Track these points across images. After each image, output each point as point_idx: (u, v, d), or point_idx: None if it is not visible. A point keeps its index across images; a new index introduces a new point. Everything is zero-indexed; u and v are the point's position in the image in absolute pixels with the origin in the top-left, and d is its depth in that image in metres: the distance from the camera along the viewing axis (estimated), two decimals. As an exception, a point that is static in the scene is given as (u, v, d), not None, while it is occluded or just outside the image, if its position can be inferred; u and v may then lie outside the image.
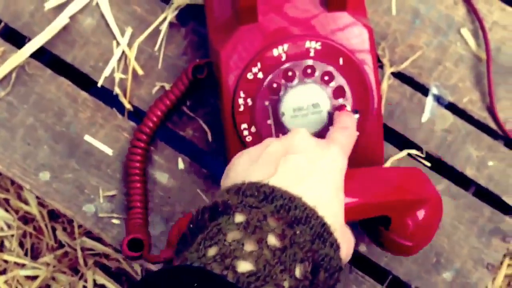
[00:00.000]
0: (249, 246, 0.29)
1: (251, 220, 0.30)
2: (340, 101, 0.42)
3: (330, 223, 0.32)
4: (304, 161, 0.34)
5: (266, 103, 0.42)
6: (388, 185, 0.38)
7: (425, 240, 0.40)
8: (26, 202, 0.69)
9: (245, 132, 0.42)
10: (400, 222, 0.38)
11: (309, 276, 0.30)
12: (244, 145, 0.43)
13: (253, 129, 0.42)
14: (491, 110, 0.49)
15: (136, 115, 0.49)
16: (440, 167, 0.49)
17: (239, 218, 0.31)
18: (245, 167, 0.35)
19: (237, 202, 0.31)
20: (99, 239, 0.67)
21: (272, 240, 0.30)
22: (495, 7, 0.50)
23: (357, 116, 0.42)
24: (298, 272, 0.30)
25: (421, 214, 0.38)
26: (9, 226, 0.69)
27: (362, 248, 0.47)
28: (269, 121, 0.42)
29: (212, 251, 0.30)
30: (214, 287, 0.28)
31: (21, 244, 0.70)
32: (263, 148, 0.35)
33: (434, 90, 0.49)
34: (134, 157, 0.46)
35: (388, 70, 0.49)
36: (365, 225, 0.41)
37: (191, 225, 0.32)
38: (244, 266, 0.29)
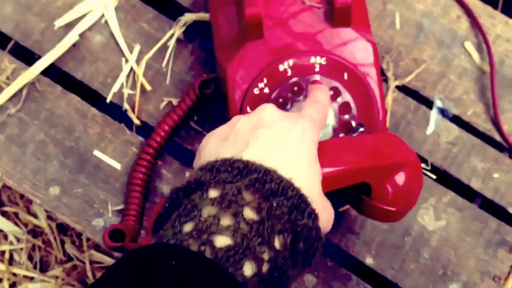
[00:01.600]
0: (225, 221, 0.29)
1: (225, 194, 0.30)
2: (346, 116, 0.43)
3: (307, 194, 0.32)
4: (274, 134, 0.33)
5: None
6: (363, 151, 0.38)
7: (407, 205, 0.39)
8: (35, 216, 0.70)
9: (252, 147, 0.43)
10: (380, 188, 0.38)
11: (288, 247, 0.30)
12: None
13: (259, 143, 0.43)
14: (495, 122, 0.49)
15: (145, 130, 0.50)
16: (446, 179, 0.49)
17: (213, 193, 0.30)
18: (216, 145, 0.34)
19: (211, 178, 0.31)
20: (107, 253, 0.68)
21: (249, 213, 0.30)
22: (498, 20, 0.51)
23: (361, 129, 0.43)
24: (277, 243, 0.30)
25: (400, 178, 0.38)
26: (18, 240, 0.70)
27: (369, 261, 0.47)
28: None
29: (187, 227, 0.29)
30: (192, 263, 0.27)
31: (30, 257, 0.70)
32: (232, 126, 0.35)
33: (438, 103, 0.50)
34: (139, 168, 0.47)
35: (393, 83, 0.50)
36: (346, 194, 0.41)
37: (166, 205, 0.32)
38: (222, 241, 0.29)
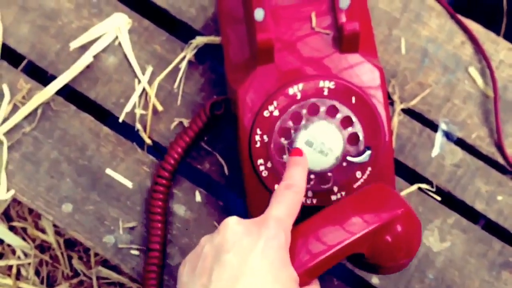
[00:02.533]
0: None
1: None
2: (351, 149, 0.43)
3: None
4: (235, 260, 0.33)
5: (282, 139, 0.44)
6: (345, 225, 0.36)
7: (410, 252, 0.38)
8: (43, 231, 0.71)
9: (261, 168, 0.44)
10: (374, 251, 0.37)
11: None
12: (260, 180, 0.44)
13: (269, 164, 0.44)
14: (499, 146, 0.50)
15: (156, 149, 0.51)
16: (451, 201, 0.50)
17: None
18: (187, 279, 0.35)
19: None
20: (114, 269, 0.68)
21: None
22: (501, 46, 0.52)
23: (369, 152, 0.44)
24: None
25: (393, 235, 0.37)
26: (26, 255, 0.71)
27: (375, 281, 0.48)
28: (285, 157, 0.44)
29: None
30: None
31: (37, 272, 0.71)
32: (199, 252, 0.36)
33: (443, 126, 0.51)
34: (157, 195, 0.48)
35: (398, 106, 0.51)
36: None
37: None
38: None
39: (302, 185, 0.38)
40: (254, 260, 0.34)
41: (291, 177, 0.38)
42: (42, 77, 0.53)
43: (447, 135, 0.51)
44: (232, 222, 0.36)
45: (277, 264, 0.34)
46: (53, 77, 0.52)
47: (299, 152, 0.40)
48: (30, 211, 0.70)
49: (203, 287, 0.33)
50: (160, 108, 0.51)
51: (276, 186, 0.42)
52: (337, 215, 0.37)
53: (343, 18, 0.43)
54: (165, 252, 0.48)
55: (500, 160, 0.50)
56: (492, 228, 0.49)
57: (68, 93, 0.53)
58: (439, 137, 0.50)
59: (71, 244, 0.72)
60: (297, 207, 0.37)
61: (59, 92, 0.52)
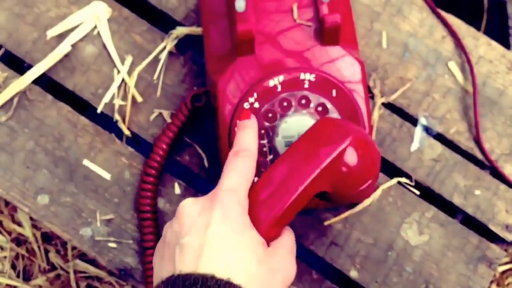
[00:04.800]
0: None
1: None
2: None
3: (242, 280, 0.32)
4: (194, 240, 0.33)
5: (262, 131, 0.43)
6: (296, 172, 0.36)
7: (370, 175, 0.38)
8: (19, 224, 0.70)
9: (241, 160, 0.44)
10: (335, 185, 0.37)
11: None
12: (240, 172, 0.44)
13: (249, 156, 0.44)
14: (477, 141, 0.51)
15: (135, 141, 0.51)
16: (429, 195, 0.50)
17: None
18: (157, 268, 0.36)
19: None
20: (92, 262, 0.68)
21: None
22: (481, 41, 0.52)
23: None
24: None
25: (348, 164, 0.36)
26: (1, 248, 0.69)
27: (353, 274, 0.48)
28: (265, 149, 0.43)
29: None
30: None
31: (13, 266, 0.70)
32: (164, 239, 0.36)
33: (422, 121, 0.51)
34: (145, 193, 0.47)
35: (379, 100, 0.51)
36: None
37: None
38: None
39: (252, 147, 0.38)
40: (211, 233, 0.33)
41: (240, 142, 0.38)
42: (19, 66, 0.52)
43: (427, 130, 0.51)
44: (187, 205, 0.36)
45: (236, 231, 0.34)
46: (30, 66, 0.51)
47: (247, 115, 0.40)
48: (6, 203, 0.69)
49: (170, 273, 0.33)
50: (139, 99, 0.50)
51: (256, 178, 0.42)
52: (289, 163, 0.37)
53: (324, 10, 0.43)
54: None
55: (479, 155, 0.51)
56: (470, 222, 0.50)
57: (45, 82, 0.52)
58: (418, 131, 0.51)
59: (48, 237, 0.71)
60: (250, 171, 0.37)
61: (36, 82, 0.51)
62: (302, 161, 0.36)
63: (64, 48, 0.50)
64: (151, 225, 0.47)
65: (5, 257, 0.69)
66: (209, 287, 0.31)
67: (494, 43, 0.52)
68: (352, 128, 0.38)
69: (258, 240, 0.35)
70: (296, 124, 0.43)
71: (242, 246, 0.34)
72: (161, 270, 0.35)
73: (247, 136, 0.38)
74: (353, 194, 0.39)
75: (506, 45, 0.56)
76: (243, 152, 0.37)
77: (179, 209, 0.36)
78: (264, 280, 0.34)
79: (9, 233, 0.69)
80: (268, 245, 0.36)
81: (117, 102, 0.50)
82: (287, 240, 0.37)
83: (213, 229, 0.34)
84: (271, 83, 0.43)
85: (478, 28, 0.56)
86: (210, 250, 0.33)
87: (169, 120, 0.50)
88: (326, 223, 0.49)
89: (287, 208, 0.35)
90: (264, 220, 0.35)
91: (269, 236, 0.36)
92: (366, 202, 0.48)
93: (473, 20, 0.58)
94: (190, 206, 0.36)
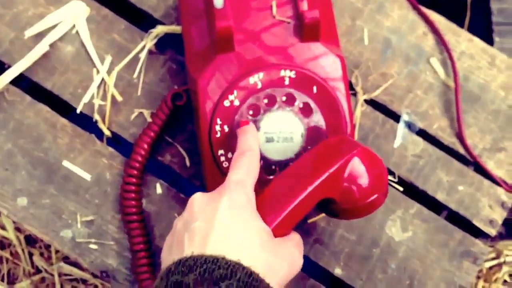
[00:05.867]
0: None
1: None
2: (314, 128, 0.43)
3: (247, 259, 0.33)
4: (202, 224, 0.35)
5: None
6: (304, 176, 0.38)
7: (378, 188, 0.39)
8: (3, 227, 0.69)
9: (222, 158, 0.43)
10: (343, 193, 0.39)
11: None
12: (221, 171, 0.44)
13: (229, 155, 0.43)
14: (460, 136, 0.51)
15: (115, 141, 0.50)
16: (413, 191, 0.50)
17: None
18: (166, 258, 0.37)
19: (163, 285, 0.32)
20: (76, 265, 0.67)
21: None
22: (462, 38, 0.52)
23: None
24: None
25: (355, 172, 0.38)
26: (-15, 252, 0.69)
27: (338, 271, 0.48)
28: (245, 147, 0.43)
29: None
30: None
31: (-3, 270, 0.69)
32: (173, 231, 0.38)
33: (405, 117, 0.51)
34: (129, 195, 0.47)
35: (361, 97, 0.51)
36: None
37: None
38: None
39: (255, 148, 0.40)
40: (219, 217, 0.35)
41: (243, 144, 0.40)
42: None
43: (409, 126, 0.51)
44: (197, 197, 0.38)
45: (242, 216, 0.36)
46: (8, 67, 0.50)
47: (246, 122, 0.42)
48: (-11, 207, 0.68)
49: (179, 255, 0.34)
50: (119, 98, 0.49)
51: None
52: (298, 169, 0.39)
53: (303, 6, 0.42)
54: (151, 248, 0.48)
55: (461, 150, 0.50)
56: (453, 218, 0.50)
57: (24, 83, 0.51)
58: (401, 127, 0.51)
59: (32, 240, 0.70)
60: (255, 168, 0.39)
61: (14, 82, 0.50)
62: (310, 168, 0.39)
63: (42, 47, 0.50)
64: (138, 227, 0.47)
65: (-12, 261, 0.68)
66: (219, 266, 0.32)
67: (475, 39, 0.52)
68: (358, 144, 0.40)
69: (264, 228, 0.36)
70: (276, 121, 0.43)
71: (247, 230, 0.35)
72: (169, 258, 0.35)
73: (249, 139, 0.41)
74: (360, 206, 0.39)
75: (489, 41, 0.56)
76: (247, 151, 0.40)
77: (190, 201, 0.38)
78: (268, 263, 0.35)
79: (-8, 237, 0.69)
80: None
81: (97, 102, 0.49)
82: (294, 236, 0.39)
83: (220, 213, 0.35)
84: (251, 80, 0.43)
85: (461, 24, 0.56)
86: (217, 233, 0.35)
87: (149, 120, 0.49)
88: (309, 220, 0.48)
89: (292, 209, 0.37)
90: (271, 219, 0.37)
91: (275, 235, 0.37)
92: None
93: (456, 17, 0.58)
94: (200, 197, 0.38)
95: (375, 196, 0.39)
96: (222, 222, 0.35)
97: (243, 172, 0.38)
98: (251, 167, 0.39)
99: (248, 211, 0.36)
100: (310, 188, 0.37)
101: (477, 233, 0.50)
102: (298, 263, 0.38)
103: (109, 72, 0.50)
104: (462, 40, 0.52)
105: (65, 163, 0.49)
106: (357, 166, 0.39)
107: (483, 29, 0.61)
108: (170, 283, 0.32)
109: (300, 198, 0.37)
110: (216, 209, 0.36)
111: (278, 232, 0.37)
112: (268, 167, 0.43)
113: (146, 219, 0.48)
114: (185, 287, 0.31)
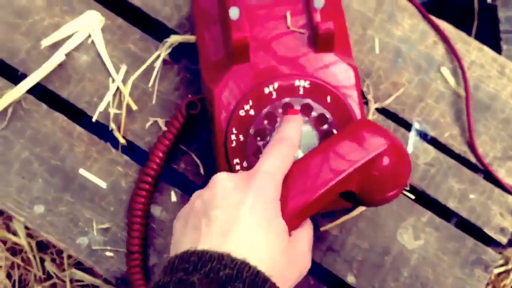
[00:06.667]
0: None
1: None
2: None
3: (266, 267, 0.32)
4: (224, 215, 0.33)
5: (258, 139, 0.43)
6: (328, 168, 0.36)
7: (400, 183, 0.39)
8: (14, 233, 0.69)
9: (237, 167, 0.44)
10: (363, 186, 0.37)
11: None
12: (236, 179, 0.44)
13: (245, 163, 0.44)
14: (471, 145, 0.51)
15: (130, 149, 0.51)
16: (424, 199, 0.50)
17: None
18: (179, 234, 0.35)
19: (167, 280, 0.31)
20: (88, 271, 0.67)
21: None
22: (473, 47, 0.53)
23: None
24: None
25: (380, 169, 0.37)
26: (-4, 258, 0.69)
27: (350, 279, 0.48)
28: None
29: None
30: None
31: (9, 276, 0.70)
32: (191, 206, 0.36)
33: (416, 125, 0.51)
34: (139, 199, 0.47)
35: (373, 106, 0.51)
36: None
37: None
38: None
39: (295, 139, 0.38)
40: (243, 214, 0.33)
41: (285, 131, 0.38)
42: (13, 76, 0.51)
43: (420, 134, 0.51)
44: (222, 178, 0.35)
45: (266, 217, 0.34)
46: (24, 76, 0.51)
47: (295, 111, 0.41)
48: (1, 213, 0.69)
49: (193, 243, 0.33)
50: (134, 107, 0.50)
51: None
52: (323, 155, 0.37)
53: (317, 18, 0.43)
54: (146, 252, 0.48)
55: (472, 159, 0.51)
56: (465, 226, 0.50)
57: (40, 92, 0.52)
58: (412, 136, 0.51)
59: (43, 246, 0.71)
60: (289, 161, 0.37)
61: (31, 91, 0.51)
62: (335, 158, 0.37)
63: (58, 57, 0.50)
64: (139, 229, 0.47)
65: (0, 266, 0.69)
66: (225, 266, 0.31)
67: (485, 48, 0.53)
68: (390, 136, 0.38)
69: (285, 230, 0.35)
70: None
71: (271, 233, 0.34)
72: (183, 238, 0.34)
73: (292, 128, 0.38)
74: (377, 200, 0.39)
75: (497, 49, 0.57)
76: (286, 140, 0.37)
77: (213, 179, 0.35)
78: (284, 269, 0.34)
79: (4, 243, 0.69)
80: (289, 234, 0.36)
81: (112, 110, 0.50)
82: (306, 234, 0.37)
83: (245, 209, 0.33)
84: (266, 90, 0.43)
85: (469, 32, 0.57)
86: (240, 230, 0.33)
87: (164, 128, 0.50)
88: (322, 229, 0.49)
89: (313, 201, 0.36)
90: (289, 209, 0.36)
91: (291, 225, 0.36)
92: (362, 207, 0.48)
93: (463, 25, 0.59)
94: (225, 180, 0.35)
95: (395, 191, 0.39)
96: (245, 219, 0.33)
97: (276, 162, 0.36)
98: (285, 159, 0.36)
99: (273, 209, 0.34)
100: (332, 183, 0.36)
101: (488, 241, 0.50)
102: (307, 266, 0.37)
103: (124, 81, 0.51)
104: (472, 49, 0.53)
105: (81, 171, 0.49)
106: (384, 162, 0.37)
107: (490, 37, 0.62)
108: (175, 279, 0.31)
109: (321, 192, 0.36)
110: (242, 202, 0.33)
111: (293, 223, 0.36)
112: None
113: (148, 225, 0.49)
114: (189, 286, 0.30)
